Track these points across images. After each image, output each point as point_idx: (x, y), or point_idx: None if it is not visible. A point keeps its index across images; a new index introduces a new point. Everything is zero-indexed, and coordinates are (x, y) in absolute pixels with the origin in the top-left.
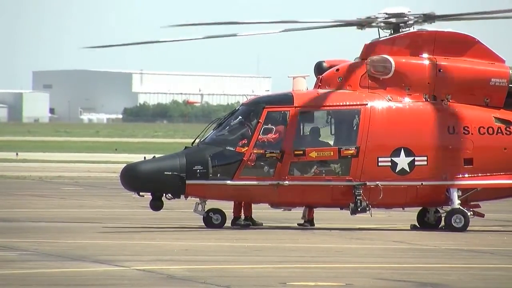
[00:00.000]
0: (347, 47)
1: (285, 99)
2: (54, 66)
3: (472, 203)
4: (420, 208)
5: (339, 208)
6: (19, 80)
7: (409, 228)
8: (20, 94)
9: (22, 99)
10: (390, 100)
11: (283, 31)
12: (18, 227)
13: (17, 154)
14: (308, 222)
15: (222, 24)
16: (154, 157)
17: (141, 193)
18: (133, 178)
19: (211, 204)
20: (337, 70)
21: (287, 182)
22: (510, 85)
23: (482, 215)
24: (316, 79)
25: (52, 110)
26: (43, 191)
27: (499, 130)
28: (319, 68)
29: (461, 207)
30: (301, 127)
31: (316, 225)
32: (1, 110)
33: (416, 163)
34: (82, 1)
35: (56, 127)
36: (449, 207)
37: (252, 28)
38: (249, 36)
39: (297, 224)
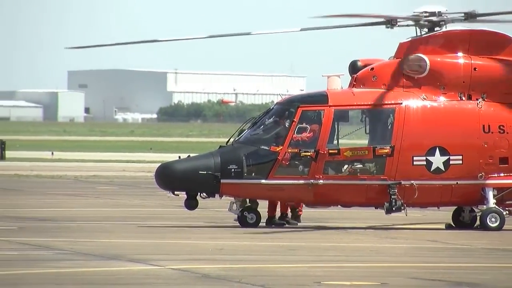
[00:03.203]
0: (382, 46)
1: (320, 98)
2: (89, 66)
3: (507, 202)
4: (455, 207)
5: (373, 207)
6: (54, 80)
7: (444, 227)
8: (56, 94)
9: (58, 99)
10: (425, 99)
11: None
12: (53, 227)
13: (52, 153)
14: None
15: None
16: (188, 156)
17: (176, 192)
18: (168, 177)
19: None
20: (372, 69)
21: (321, 181)
22: None
23: None
24: (350, 78)
25: (87, 110)
26: (78, 190)
27: None
28: (353, 67)
29: (496, 206)
30: (336, 126)
31: (352, 224)
32: (36, 109)
33: (451, 162)
34: (116, 1)
35: (91, 127)
36: (484, 206)
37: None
38: (283, 36)
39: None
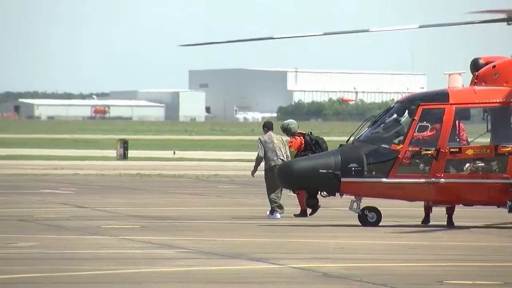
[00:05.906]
0: (504, 44)
1: (441, 96)
2: (210, 65)
3: None
4: None
5: (496, 206)
6: (176, 80)
7: None
8: (177, 93)
9: (179, 98)
10: None
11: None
12: (176, 225)
13: (174, 152)
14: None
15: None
16: (308, 155)
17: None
18: (288, 176)
19: (366, 202)
20: (494, 66)
21: (442, 179)
22: None
23: None
24: (472, 76)
25: (208, 109)
26: (199, 189)
27: None
28: (475, 65)
29: None
30: (457, 124)
31: (475, 224)
32: (158, 109)
33: None
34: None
35: (212, 126)
36: None
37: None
38: (403, 33)
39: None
